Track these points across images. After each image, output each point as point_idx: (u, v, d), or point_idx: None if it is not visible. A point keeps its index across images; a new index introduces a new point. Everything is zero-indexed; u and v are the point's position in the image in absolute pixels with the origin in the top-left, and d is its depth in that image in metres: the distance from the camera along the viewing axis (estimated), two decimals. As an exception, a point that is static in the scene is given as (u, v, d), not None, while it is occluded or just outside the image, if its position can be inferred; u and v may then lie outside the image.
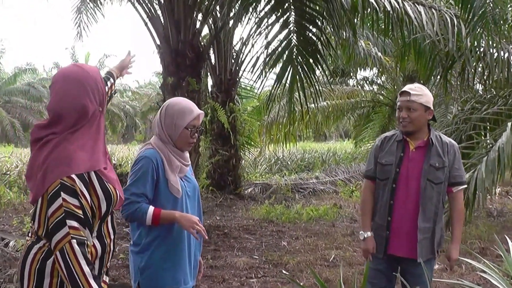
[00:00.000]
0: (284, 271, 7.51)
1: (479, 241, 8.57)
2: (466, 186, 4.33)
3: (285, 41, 8.71)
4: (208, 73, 14.31)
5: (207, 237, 3.65)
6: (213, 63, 14.31)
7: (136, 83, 56.04)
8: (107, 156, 2.87)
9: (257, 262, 8.14)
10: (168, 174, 3.58)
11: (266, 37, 8.66)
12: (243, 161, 16.01)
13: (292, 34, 8.64)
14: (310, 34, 8.80)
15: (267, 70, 9.40)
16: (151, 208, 3.48)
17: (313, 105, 18.36)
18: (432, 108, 4.23)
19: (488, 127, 9.55)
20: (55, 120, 2.66)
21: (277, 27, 8.75)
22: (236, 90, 15.01)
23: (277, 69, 9.38)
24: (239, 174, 15.00)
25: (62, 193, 2.54)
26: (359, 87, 23.21)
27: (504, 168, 8.27)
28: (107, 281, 3.00)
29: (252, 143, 16.32)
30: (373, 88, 23.96)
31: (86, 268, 2.54)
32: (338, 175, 17.67)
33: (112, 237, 2.89)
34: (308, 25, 8.73)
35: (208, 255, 8.47)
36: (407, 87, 4.24)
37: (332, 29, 9.37)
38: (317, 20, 8.78)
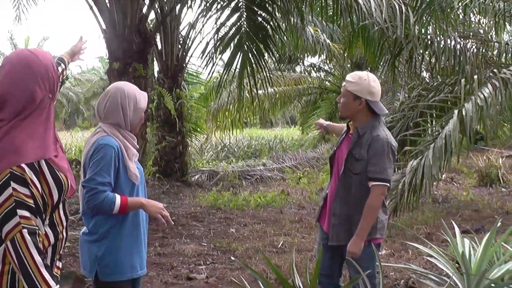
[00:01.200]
0: (233, 258, 7.46)
1: (425, 226, 8.69)
2: (382, 183, 4.21)
3: (235, 26, 8.65)
4: (155, 59, 14.09)
5: (172, 223, 3.68)
6: (159, 49, 14.07)
7: (79, 68, 55.06)
8: (59, 144, 2.81)
9: (205, 249, 8.07)
10: (126, 161, 3.56)
11: (216, 22, 8.57)
12: (190, 148, 15.86)
13: (242, 19, 8.57)
14: (260, 19, 8.74)
15: (216, 55, 9.32)
16: (118, 197, 3.44)
17: (261, 91, 18.40)
18: (364, 98, 4.17)
19: (435, 114, 9.65)
20: (0, 106, 2.58)
21: (226, 12, 8.67)
22: (183, 76, 14.83)
23: (227, 55, 9.31)
24: (186, 161, 14.85)
25: (12, 182, 2.50)
26: (307, 73, 23.31)
27: (450, 155, 8.38)
28: (60, 266, 2.98)
29: (199, 129, 16.20)
30: (321, 75, 24.11)
31: (37, 258, 2.51)
32: (285, 162, 17.67)
33: (64, 224, 2.84)
34: (258, 10, 8.67)
35: (156, 242, 8.35)
36: (349, 75, 4.29)
37: (281, 15, 9.32)
38: (267, 5, 8.72)
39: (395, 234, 7.84)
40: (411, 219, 9.31)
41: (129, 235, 3.59)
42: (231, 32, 8.73)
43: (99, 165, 3.44)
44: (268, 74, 9.43)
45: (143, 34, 9.48)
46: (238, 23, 8.59)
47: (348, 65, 20.12)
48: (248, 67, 8.75)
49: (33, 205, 2.54)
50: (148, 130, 12.85)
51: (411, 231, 8.00)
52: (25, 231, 2.49)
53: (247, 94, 15.40)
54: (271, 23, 8.75)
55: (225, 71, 9.06)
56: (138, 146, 3.75)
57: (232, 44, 8.90)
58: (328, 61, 21.80)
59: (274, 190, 13.34)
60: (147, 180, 13.36)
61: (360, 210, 4.14)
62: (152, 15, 12.41)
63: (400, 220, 8.82)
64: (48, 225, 2.70)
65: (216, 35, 8.72)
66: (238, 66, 8.88)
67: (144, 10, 9.73)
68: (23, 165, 2.52)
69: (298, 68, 23.45)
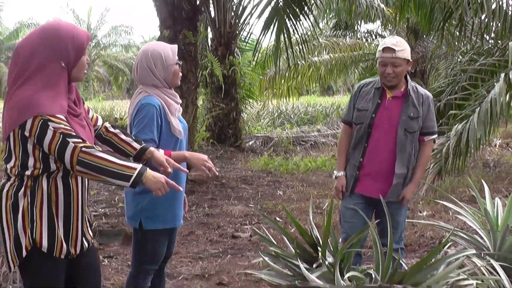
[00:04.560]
0: (278, 218, 7.72)
1: (468, 189, 8.71)
2: (436, 135, 4.51)
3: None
4: (208, 27, 14.31)
5: (216, 173, 3.82)
6: (212, 16, 14.27)
7: (141, 38, 55.80)
8: (86, 110, 3.08)
9: (252, 210, 8.35)
10: (169, 117, 3.74)
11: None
12: (244, 115, 16.10)
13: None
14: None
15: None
16: (161, 151, 3.59)
17: (316, 58, 18.39)
18: (411, 59, 4.40)
19: (486, 79, 9.58)
20: (17, 61, 2.87)
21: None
22: (236, 43, 15.01)
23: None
24: (240, 127, 15.12)
25: (49, 123, 2.75)
26: (363, 39, 23.08)
27: (497, 119, 8.37)
28: (91, 234, 3.23)
29: (253, 96, 16.38)
30: (379, 41, 23.83)
31: (108, 157, 2.81)
32: (340, 128, 17.73)
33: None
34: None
35: (205, 203, 8.69)
36: (389, 43, 4.33)
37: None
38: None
39: (438, 197, 7.93)
40: (458, 182, 9.34)
41: (171, 188, 3.83)
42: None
43: (142, 124, 3.66)
44: (304, 39, 9.50)
45: (193, 1, 9.69)
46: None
47: (404, 30, 19.84)
48: (284, 31, 8.88)
49: (77, 135, 2.80)
50: (201, 96, 13.14)
51: (454, 194, 8.06)
52: (83, 149, 2.74)
53: (302, 61, 15.57)
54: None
55: (262, 35, 9.22)
56: (180, 101, 3.92)
57: (270, 7, 9.01)
58: (383, 28, 21.52)
59: (325, 155, 13.50)
60: (201, 146, 13.71)
61: (408, 167, 4.44)
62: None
63: (445, 184, 8.88)
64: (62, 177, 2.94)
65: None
66: (275, 30, 9.00)
67: (195, -23, 9.91)
68: (47, 113, 2.76)
69: (353, 35, 23.20)
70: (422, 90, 4.48)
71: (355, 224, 4.38)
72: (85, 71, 3.10)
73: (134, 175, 2.85)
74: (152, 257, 3.89)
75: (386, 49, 4.33)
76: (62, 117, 2.80)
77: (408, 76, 4.49)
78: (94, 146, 2.85)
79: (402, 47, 4.32)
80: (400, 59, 4.30)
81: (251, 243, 6.73)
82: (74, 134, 2.78)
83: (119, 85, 47.81)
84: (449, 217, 7.23)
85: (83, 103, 3.18)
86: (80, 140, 2.78)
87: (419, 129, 4.41)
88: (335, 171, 4.64)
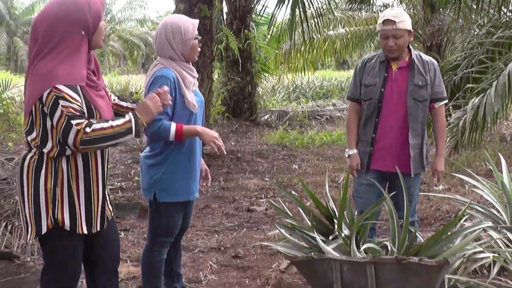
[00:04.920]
0: (293, 192, 7.73)
1: (485, 163, 8.67)
2: (446, 101, 4.46)
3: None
4: (223, 0, 14.23)
5: (225, 153, 3.87)
6: (228, -10, 14.21)
7: (156, 12, 55.63)
8: (101, 83, 3.10)
9: (267, 184, 8.37)
10: (184, 90, 3.74)
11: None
12: (259, 89, 16.07)
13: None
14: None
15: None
16: (174, 125, 3.63)
17: (332, 32, 18.26)
18: (412, 29, 4.34)
19: (504, 52, 9.48)
20: (36, 37, 2.91)
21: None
22: (252, 17, 14.93)
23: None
24: (255, 101, 15.11)
25: (60, 101, 2.80)
26: (379, 13, 22.83)
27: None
28: (111, 208, 3.29)
29: (268, 70, 16.33)
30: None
31: (105, 125, 2.89)
32: (354, 102, 17.66)
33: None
34: None
35: (220, 177, 8.72)
36: (389, 15, 4.28)
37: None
38: None
39: (455, 171, 7.90)
40: (475, 156, 9.30)
41: (185, 161, 3.83)
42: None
43: None
44: (321, 12, 9.44)
45: (208, -26, 9.65)
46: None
47: (420, 4, 19.62)
48: (300, 4, 8.82)
49: (82, 115, 2.86)
50: (216, 70, 13.11)
51: (471, 168, 8.02)
52: (86, 129, 2.80)
53: (317, 35, 15.46)
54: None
55: (277, 9, 9.17)
56: (196, 75, 3.93)
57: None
58: (399, 1, 21.30)
59: (341, 129, 13.47)
60: (216, 120, 13.73)
61: (422, 136, 4.43)
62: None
63: (462, 158, 8.85)
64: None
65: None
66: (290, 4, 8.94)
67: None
68: (59, 86, 2.81)
69: (369, 8, 22.98)
70: (426, 57, 4.44)
71: (369, 199, 4.36)
72: (103, 38, 3.12)
73: (133, 125, 2.96)
74: (167, 230, 3.93)
75: (386, 22, 4.27)
76: (76, 96, 2.85)
77: (411, 46, 4.45)
78: (92, 120, 2.89)
79: (402, 18, 4.26)
80: (401, 30, 4.25)
81: (267, 217, 6.76)
82: (78, 114, 2.83)
83: (134, 59, 47.76)
84: (465, 191, 7.21)
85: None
86: (83, 121, 2.82)
87: (429, 96, 4.37)
88: (346, 149, 4.59)
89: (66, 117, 2.79)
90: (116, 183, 8.29)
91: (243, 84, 14.55)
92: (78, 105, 2.84)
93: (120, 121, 2.93)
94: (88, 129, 2.80)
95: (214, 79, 11.97)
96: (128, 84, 21.02)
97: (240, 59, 13.90)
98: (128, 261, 5.29)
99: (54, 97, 2.79)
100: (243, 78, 14.54)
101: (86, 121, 2.83)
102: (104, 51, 42.75)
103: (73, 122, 2.79)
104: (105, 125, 2.87)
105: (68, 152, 2.91)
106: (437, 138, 4.52)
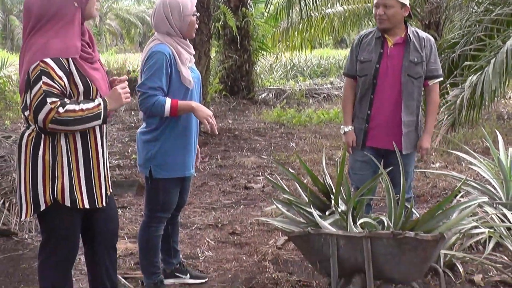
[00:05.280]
0: (290, 169, 7.73)
1: (482, 141, 8.69)
2: (441, 79, 4.44)
3: None
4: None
5: (216, 133, 3.90)
6: (225, -33, 14.10)
7: (154, -10, 55.22)
8: (95, 55, 3.08)
9: (265, 161, 8.39)
10: (179, 66, 3.75)
11: None
12: (257, 67, 16.03)
13: None
14: None
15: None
16: (169, 100, 3.66)
17: (330, 10, 18.15)
18: (408, 4, 4.30)
19: (501, 29, 9.45)
20: (29, 15, 2.90)
21: None
22: (250, -5, 14.86)
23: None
24: (253, 80, 15.09)
25: (42, 77, 2.80)
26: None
27: (512, 70, 8.28)
28: (110, 190, 3.31)
29: (265, 48, 16.26)
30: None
31: (77, 107, 2.88)
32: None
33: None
34: None
35: (217, 155, 8.74)
36: None
37: None
38: None
39: (452, 148, 7.91)
40: (472, 134, 9.31)
41: (181, 137, 3.85)
42: None
43: (151, 71, 3.68)
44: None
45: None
46: None
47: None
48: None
49: (61, 95, 2.85)
50: (213, 48, 13.06)
51: (468, 146, 8.04)
52: (59, 109, 2.80)
53: (315, 13, 15.38)
54: None
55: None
56: (193, 52, 3.94)
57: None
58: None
59: (338, 107, 13.46)
60: (214, 98, 13.71)
61: (417, 113, 4.42)
62: None
63: (459, 135, 8.86)
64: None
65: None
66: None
67: None
68: (47, 60, 2.81)
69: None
70: (423, 33, 4.41)
71: (364, 176, 4.36)
72: (96, 7, 3.11)
73: (102, 111, 2.96)
74: (164, 206, 3.95)
75: None
76: (62, 74, 2.85)
77: (407, 22, 4.42)
78: (66, 100, 2.88)
79: None
80: (392, 0, 4.22)
81: (264, 194, 6.78)
82: (56, 93, 2.82)
83: (131, 38, 47.57)
84: (462, 168, 7.23)
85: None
86: (57, 99, 2.81)
87: (424, 73, 4.35)
88: (342, 126, 4.57)
89: (43, 94, 2.79)
90: (114, 161, 8.31)
91: (241, 62, 14.52)
92: (61, 86, 2.84)
93: (90, 104, 2.93)
94: (61, 109, 2.80)
95: (212, 57, 11.94)
96: (125, 62, 20.92)
97: (237, 37, 13.86)
98: (126, 238, 5.32)
99: (39, 71, 2.80)
100: (240, 56, 14.51)
101: (61, 101, 2.82)
102: (101, 30, 42.60)
103: (49, 100, 2.78)
104: (76, 107, 2.86)
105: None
106: (427, 115, 4.50)
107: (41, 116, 2.79)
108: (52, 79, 2.81)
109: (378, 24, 4.34)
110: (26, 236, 5.29)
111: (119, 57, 25.21)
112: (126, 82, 3.21)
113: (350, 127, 4.49)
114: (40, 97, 2.79)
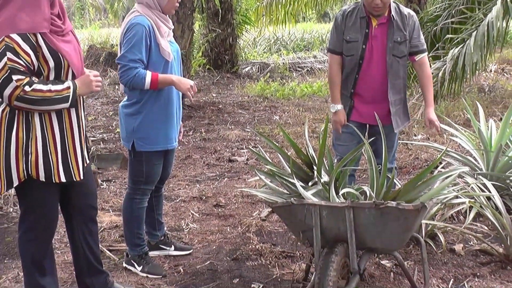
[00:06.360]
0: (274, 142, 7.75)
1: (463, 113, 8.75)
2: (426, 53, 4.43)
3: None
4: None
5: (192, 101, 3.87)
6: None
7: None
8: (66, 27, 3.02)
9: (248, 134, 8.42)
10: (158, 39, 3.75)
11: None
12: (240, 41, 15.98)
13: None
14: None
15: None
16: (149, 73, 3.66)
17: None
18: None
19: (482, 2, 9.47)
20: None
21: None
22: (233, -33, 14.77)
23: None
24: (236, 53, 15.06)
25: (7, 53, 2.76)
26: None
27: (494, 43, 8.34)
28: (87, 161, 3.30)
29: (249, 22, 16.19)
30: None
31: (45, 87, 2.85)
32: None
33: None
34: None
35: (201, 128, 8.75)
36: None
37: None
38: None
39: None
40: (453, 107, 9.38)
41: (162, 110, 3.86)
42: None
43: (131, 43, 3.67)
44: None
45: None
46: None
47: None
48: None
49: (27, 71, 2.82)
50: (197, 21, 12.99)
51: (449, 118, 8.11)
52: (26, 87, 2.78)
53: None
54: None
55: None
56: (172, 26, 3.94)
57: None
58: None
59: (321, 81, 13.48)
60: (198, 72, 13.67)
61: (404, 91, 4.46)
62: None
63: (441, 108, 8.93)
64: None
65: None
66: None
67: None
68: (13, 36, 2.77)
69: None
70: (405, 10, 4.37)
71: (349, 146, 4.36)
72: None
73: (71, 94, 2.95)
74: (147, 178, 3.97)
75: None
76: (28, 49, 2.81)
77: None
78: (35, 79, 2.86)
79: None
80: None
81: (248, 167, 6.81)
82: (22, 70, 2.79)
83: (115, 12, 47.04)
84: (444, 141, 7.29)
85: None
86: (24, 77, 2.79)
87: (409, 50, 4.35)
88: (332, 104, 4.50)
89: (9, 70, 2.75)
90: (98, 135, 8.31)
91: (224, 36, 14.47)
92: (27, 62, 2.81)
93: (59, 86, 2.91)
94: (27, 88, 2.78)
95: (195, 31, 11.88)
96: (109, 36, 20.76)
97: (221, 11, 13.80)
98: (111, 210, 5.35)
99: (4, 46, 2.76)
100: (224, 30, 14.46)
101: (28, 79, 2.80)
102: (84, 4, 42.10)
103: (14, 77, 2.76)
104: (44, 87, 2.84)
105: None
106: (424, 89, 4.47)
107: (6, 92, 2.77)
108: (17, 55, 2.77)
109: (373, 11, 4.25)
110: (11, 209, 5.30)
111: (103, 32, 25.02)
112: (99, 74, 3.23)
113: (340, 106, 4.46)
114: (6, 74, 2.75)
